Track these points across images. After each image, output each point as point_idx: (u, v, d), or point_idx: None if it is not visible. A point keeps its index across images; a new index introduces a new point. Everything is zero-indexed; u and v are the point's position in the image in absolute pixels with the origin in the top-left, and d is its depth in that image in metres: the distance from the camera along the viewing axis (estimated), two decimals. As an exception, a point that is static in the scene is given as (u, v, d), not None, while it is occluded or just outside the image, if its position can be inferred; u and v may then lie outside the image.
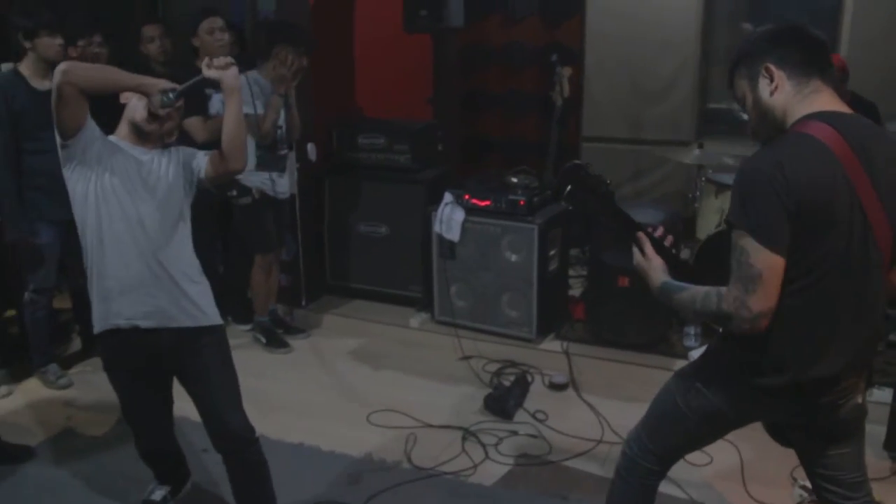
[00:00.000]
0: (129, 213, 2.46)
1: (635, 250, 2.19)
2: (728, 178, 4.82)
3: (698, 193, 4.84)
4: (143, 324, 2.51)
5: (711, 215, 4.69)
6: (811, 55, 1.95)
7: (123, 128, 2.57)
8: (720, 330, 2.10)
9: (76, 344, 4.52)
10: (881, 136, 1.95)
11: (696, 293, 1.97)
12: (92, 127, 2.43)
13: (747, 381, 2.01)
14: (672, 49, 5.63)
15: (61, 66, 2.31)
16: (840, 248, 1.85)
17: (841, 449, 2.14)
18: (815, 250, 1.85)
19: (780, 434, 2.25)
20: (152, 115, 2.48)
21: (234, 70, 2.55)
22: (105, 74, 2.53)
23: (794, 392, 1.98)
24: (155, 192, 2.51)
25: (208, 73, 2.53)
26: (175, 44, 4.57)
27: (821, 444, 2.15)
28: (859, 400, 2.08)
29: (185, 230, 2.60)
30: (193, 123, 4.13)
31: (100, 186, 2.44)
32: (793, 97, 1.93)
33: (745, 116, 2.07)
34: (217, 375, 2.61)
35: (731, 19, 5.88)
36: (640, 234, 2.18)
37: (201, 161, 2.61)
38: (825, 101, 1.93)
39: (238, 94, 2.58)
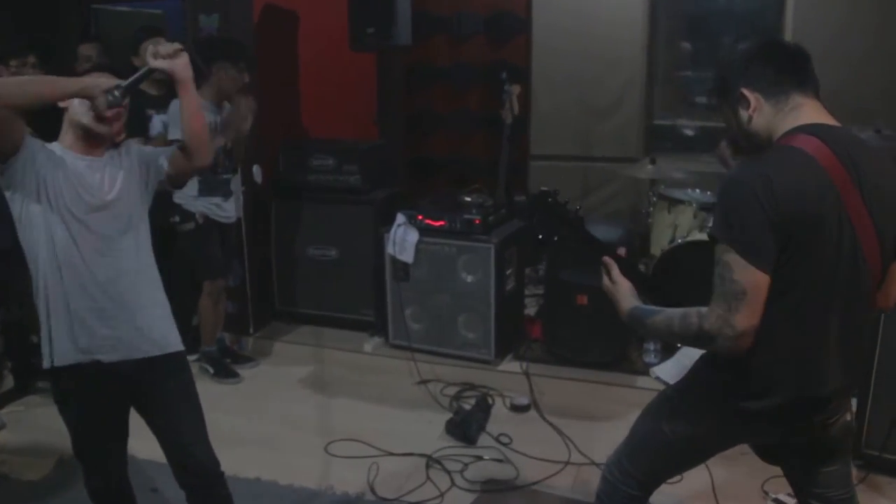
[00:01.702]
0: (81, 235, 2.26)
1: (604, 275, 2.14)
2: (680, 193, 4.84)
3: (651, 209, 4.84)
4: (105, 357, 2.31)
5: (665, 230, 4.70)
6: (784, 70, 1.90)
7: (68, 136, 2.34)
8: (703, 352, 2.04)
9: (7, 381, 4.24)
10: (868, 147, 1.91)
11: (672, 315, 1.89)
12: (30, 144, 2.22)
13: (735, 406, 1.94)
14: (618, 66, 5.67)
15: None
16: (829, 262, 1.80)
17: (829, 467, 2.10)
18: (802, 265, 1.79)
19: (766, 453, 2.20)
20: (99, 117, 2.28)
21: (184, 58, 2.35)
22: (40, 86, 2.26)
23: (784, 414, 1.92)
24: (108, 207, 2.31)
25: (155, 63, 2.32)
26: (114, 63, 4.38)
27: (808, 463, 2.11)
28: (847, 417, 2.05)
29: (144, 245, 2.41)
30: (152, 146, 3.95)
31: (46, 208, 2.23)
32: (774, 116, 1.89)
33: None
34: (182, 406, 2.44)
35: (670, 37, 5.95)
36: (607, 259, 2.13)
37: (163, 162, 2.43)
38: (809, 114, 1.88)
39: (191, 83, 2.38)
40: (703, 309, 1.81)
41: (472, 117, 6.33)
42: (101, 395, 2.38)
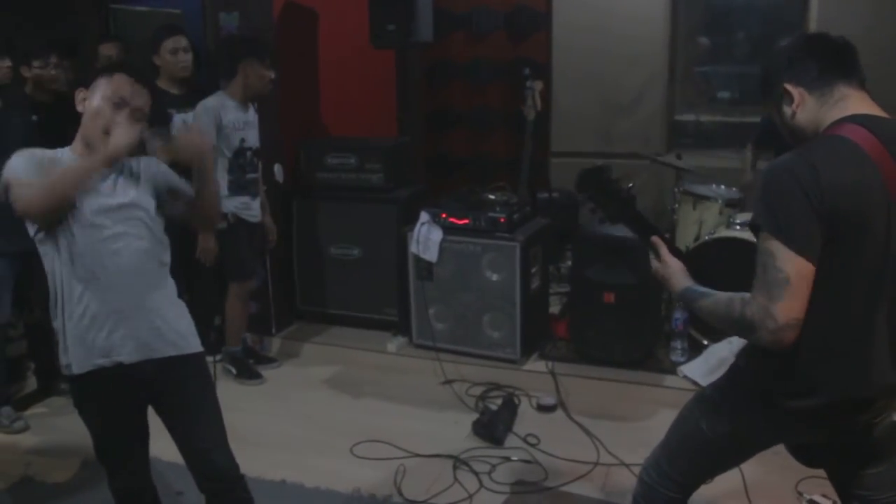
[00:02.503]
0: (96, 240, 2.25)
1: (651, 257, 2.09)
2: (704, 189, 4.78)
3: (676, 206, 4.77)
4: (125, 359, 2.29)
5: (690, 227, 4.64)
6: (828, 63, 1.87)
7: (79, 145, 2.34)
8: (742, 349, 1.99)
9: (31, 383, 4.24)
10: None
11: (718, 300, 1.86)
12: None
13: (777, 404, 1.89)
14: (639, 62, 5.62)
15: (18, 208, 2.16)
16: (875, 257, 1.76)
17: (875, 468, 2.03)
18: (847, 259, 1.74)
19: (806, 455, 2.14)
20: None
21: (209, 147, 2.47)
22: (64, 182, 2.19)
23: (827, 413, 1.87)
24: (122, 209, 2.30)
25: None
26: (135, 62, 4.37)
27: (853, 464, 2.05)
28: (895, 418, 1.99)
29: (160, 246, 2.40)
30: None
31: (65, 219, 2.23)
32: (819, 109, 1.86)
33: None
34: (201, 408, 2.41)
35: (692, 32, 5.90)
36: (655, 239, 2.08)
37: (180, 201, 2.46)
38: (855, 104, 1.85)
39: (211, 170, 2.48)
40: (747, 295, 1.77)
41: (493, 114, 6.30)
42: (121, 398, 2.37)
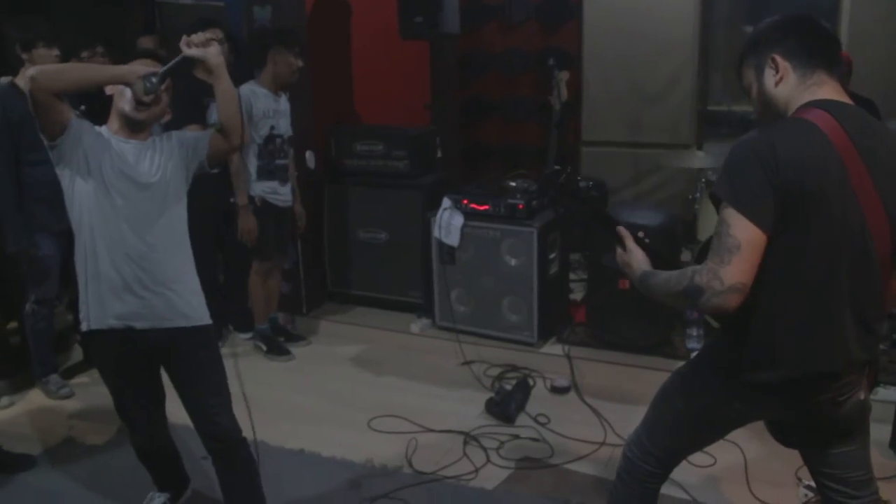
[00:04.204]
0: (122, 212, 2.45)
1: (618, 248, 2.19)
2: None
3: (699, 195, 4.82)
4: (138, 325, 2.51)
5: (712, 216, 4.65)
6: (818, 48, 1.94)
7: (114, 122, 2.54)
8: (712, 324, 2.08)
9: (77, 354, 4.51)
10: (880, 128, 1.93)
11: (671, 273, 1.95)
12: (78, 125, 2.42)
13: (743, 378, 1.98)
14: (670, 51, 5.63)
15: (30, 72, 2.29)
16: (833, 235, 1.83)
17: (845, 447, 2.10)
18: (806, 236, 1.82)
19: (782, 434, 2.21)
20: (140, 103, 2.46)
21: (215, 47, 2.54)
22: (77, 73, 2.48)
23: (792, 388, 1.95)
24: (148, 188, 2.50)
25: (189, 52, 2.50)
26: (175, 54, 4.57)
27: (823, 443, 2.12)
28: (861, 396, 2.04)
29: (179, 226, 2.59)
30: (192, 131, 4.14)
31: (91, 184, 2.43)
32: (796, 88, 1.93)
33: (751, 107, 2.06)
34: (209, 376, 2.62)
35: (730, 21, 5.88)
36: (621, 229, 2.19)
37: (203, 143, 2.61)
38: (827, 91, 1.92)
39: (223, 69, 2.54)
40: (699, 266, 1.86)
41: (525, 104, 6.38)
42: (131, 360, 2.59)
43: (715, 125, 5.96)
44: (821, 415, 2.02)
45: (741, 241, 1.78)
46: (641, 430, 2.31)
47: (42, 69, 2.33)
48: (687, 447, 2.31)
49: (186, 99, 4.25)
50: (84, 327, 2.56)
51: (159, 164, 2.54)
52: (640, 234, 2.22)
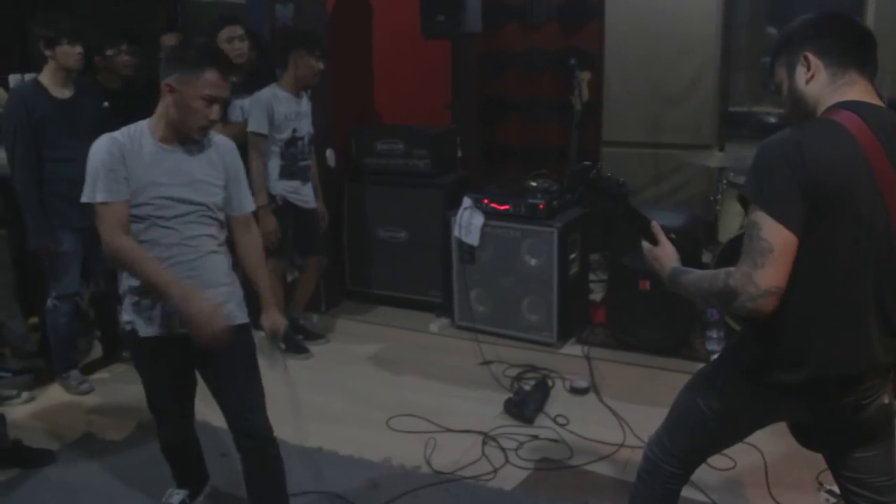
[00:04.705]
0: (169, 227, 2.48)
1: (644, 243, 2.17)
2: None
3: (720, 196, 4.78)
4: (181, 329, 2.51)
5: (733, 218, 4.64)
6: (851, 47, 1.92)
7: (160, 125, 2.50)
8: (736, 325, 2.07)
9: (97, 350, 4.54)
10: None
11: (704, 274, 1.93)
12: (129, 186, 2.44)
13: (765, 379, 1.96)
14: (692, 51, 5.58)
15: (109, 248, 2.40)
16: (860, 237, 1.81)
17: (868, 451, 2.07)
18: (832, 236, 1.80)
19: (805, 437, 2.19)
20: (203, 129, 2.48)
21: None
22: (146, 280, 2.45)
23: (814, 390, 1.93)
24: (197, 211, 2.52)
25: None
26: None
27: (846, 447, 2.09)
28: (886, 401, 2.02)
29: (219, 232, 2.61)
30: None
31: (138, 195, 2.46)
32: (826, 87, 1.92)
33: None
34: (243, 374, 2.63)
35: (752, 21, 5.83)
36: (656, 224, 2.17)
37: (241, 205, 2.68)
38: (858, 92, 1.90)
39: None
40: (731, 268, 1.84)
41: (546, 104, 6.36)
42: (173, 361, 2.62)
43: (736, 126, 5.91)
44: (844, 418, 2.00)
45: (774, 245, 1.77)
46: (663, 431, 2.30)
47: (104, 241, 2.42)
48: (709, 448, 2.29)
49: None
50: (127, 327, 2.59)
51: (204, 168, 2.56)
52: (672, 236, 2.20)
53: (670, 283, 2.07)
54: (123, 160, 2.40)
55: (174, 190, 2.46)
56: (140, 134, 2.47)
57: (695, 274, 1.97)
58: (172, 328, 2.53)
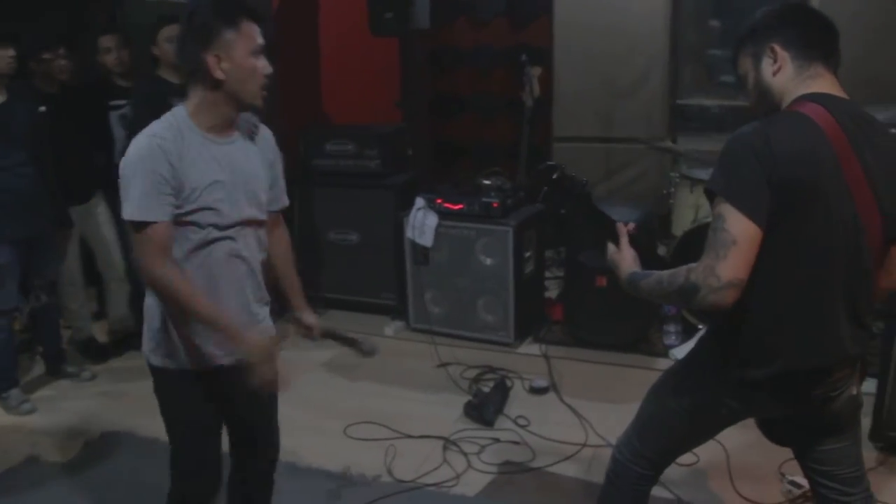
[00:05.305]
0: (221, 226, 2.14)
1: (609, 245, 2.16)
2: (702, 173, 4.78)
3: (673, 189, 4.79)
4: (227, 360, 2.21)
5: (687, 211, 4.65)
6: (816, 39, 1.93)
7: (207, 116, 2.11)
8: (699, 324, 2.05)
9: (39, 367, 4.36)
10: (875, 124, 1.92)
11: (662, 274, 1.92)
12: (178, 197, 2.06)
13: (736, 375, 1.95)
14: (641, 46, 5.60)
15: (152, 279, 2.03)
16: (827, 230, 1.81)
17: (836, 444, 2.09)
18: (800, 230, 1.80)
19: (774, 432, 2.19)
20: (264, 90, 2.12)
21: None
22: (186, 308, 2.07)
23: (785, 384, 1.92)
24: (241, 229, 2.18)
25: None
26: (137, 54, 4.44)
27: (815, 439, 2.10)
28: (854, 392, 2.03)
29: (263, 232, 2.32)
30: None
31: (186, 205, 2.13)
32: (793, 79, 1.92)
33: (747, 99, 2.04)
34: (275, 395, 2.42)
35: (698, 15, 5.86)
36: (621, 226, 2.17)
37: (279, 200, 2.38)
38: (823, 84, 1.90)
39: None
40: (693, 264, 1.83)
41: (495, 100, 6.34)
42: (212, 392, 2.28)
43: (685, 119, 5.95)
44: (813, 410, 2.00)
45: (736, 237, 1.75)
46: (631, 432, 2.28)
47: (163, 288, 2.04)
48: (679, 448, 2.27)
49: (150, 99, 4.13)
50: (157, 363, 2.22)
51: (256, 161, 2.26)
52: (631, 225, 2.17)
53: (629, 287, 2.06)
54: (170, 165, 2.01)
55: (232, 192, 2.11)
56: (182, 126, 2.07)
57: (653, 276, 1.95)
58: (216, 360, 2.20)
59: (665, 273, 1.90)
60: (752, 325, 1.89)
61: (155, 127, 2.06)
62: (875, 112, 3.78)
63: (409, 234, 4.50)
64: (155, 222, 2.00)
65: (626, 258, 2.10)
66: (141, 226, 2.00)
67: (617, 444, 2.32)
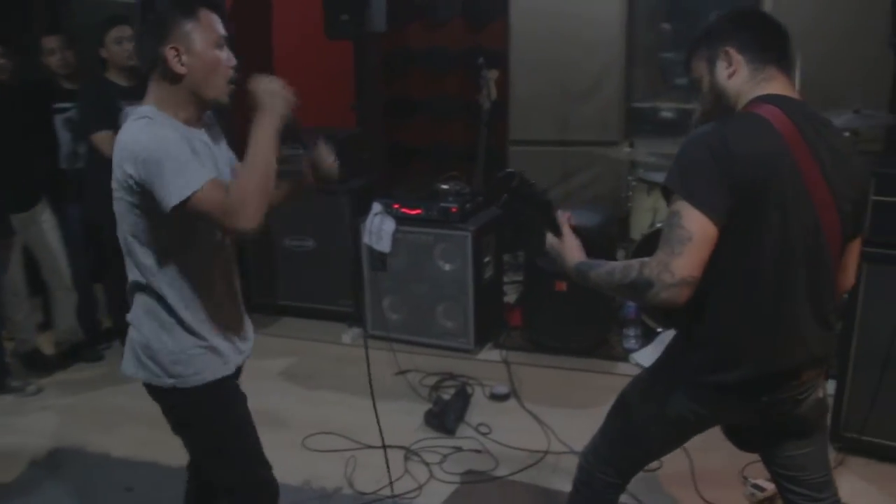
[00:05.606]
0: (214, 252, 2.09)
1: (549, 235, 2.11)
2: (659, 177, 4.80)
3: (630, 193, 4.80)
4: (240, 362, 2.20)
5: (644, 214, 4.67)
6: (770, 42, 1.95)
7: (188, 108, 1.99)
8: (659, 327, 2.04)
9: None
10: (828, 124, 1.94)
11: (614, 266, 1.88)
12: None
13: (705, 381, 1.93)
14: (597, 48, 5.60)
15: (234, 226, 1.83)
16: (788, 232, 1.81)
17: (803, 448, 2.08)
18: (759, 231, 1.79)
19: (740, 439, 2.19)
20: (230, 85, 2.03)
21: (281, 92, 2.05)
22: (270, 160, 1.90)
23: (753, 388, 1.91)
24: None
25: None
26: (84, 55, 4.30)
27: (782, 444, 2.09)
28: (820, 394, 2.04)
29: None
30: (103, 138, 3.89)
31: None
32: (747, 81, 1.93)
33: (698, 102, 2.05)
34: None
35: (653, 18, 5.90)
36: (560, 214, 2.12)
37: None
38: (778, 86, 1.91)
39: (270, 116, 1.99)
40: (645, 259, 1.80)
41: (451, 103, 6.29)
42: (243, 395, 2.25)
43: (640, 122, 5.98)
44: (781, 414, 1.99)
45: (692, 233, 1.73)
46: (599, 440, 2.25)
47: (249, 215, 1.81)
48: (647, 455, 2.24)
49: (98, 102, 4.01)
50: (196, 381, 2.06)
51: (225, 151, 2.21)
52: (568, 214, 2.14)
53: (577, 278, 2.02)
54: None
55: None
56: (163, 119, 1.93)
57: (604, 267, 1.92)
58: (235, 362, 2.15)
59: (618, 265, 1.87)
60: (719, 329, 1.88)
61: (152, 120, 1.90)
62: (830, 117, 3.87)
63: (366, 239, 4.44)
64: (209, 180, 1.82)
65: (570, 246, 2.06)
66: (199, 194, 1.80)
67: (583, 452, 2.29)
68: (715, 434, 2.19)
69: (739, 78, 1.93)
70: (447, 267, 4.32)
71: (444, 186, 4.50)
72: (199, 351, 2.04)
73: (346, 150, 4.76)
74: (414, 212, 4.35)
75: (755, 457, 2.23)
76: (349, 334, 4.68)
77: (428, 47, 6.28)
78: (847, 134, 3.83)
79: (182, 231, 1.95)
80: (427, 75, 6.35)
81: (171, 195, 1.80)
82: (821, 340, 1.93)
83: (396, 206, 4.39)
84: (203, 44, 1.94)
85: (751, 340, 1.87)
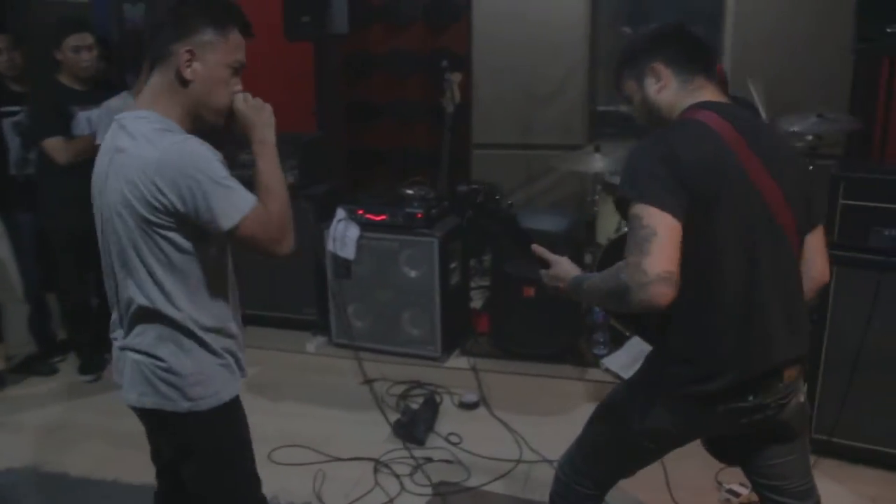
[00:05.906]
0: (226, 264, 2.07)
1: (543, 271, 2.12)
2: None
3: (596, 197, 4.78)
4: (245, 374, 2.12)
5: (611, 218, 4.65)
6: (695, 54, 2.00)
7: (183, 116, 1.92)
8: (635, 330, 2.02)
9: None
10: (761, 123, 2.03)
11: (602, 274, 1.86)
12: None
13: (687, 393, 1.90)
14: (561, 52, 5.61)
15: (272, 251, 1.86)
16: (745, 233, 1.82)
17: (785, 456, 2.07)
18: (716, 237, 1.80)
19: (721, 450, 2.17)
20: (223, 114, 1.98)
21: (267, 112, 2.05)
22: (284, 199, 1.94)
23: (737, 394, 1.88)
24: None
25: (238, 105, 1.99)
26: (33, 55, 4.16)
27: (764, 453, 2.07)
28: (801, 399, 2.03)
29: None
30: (55, 144, 3.75)
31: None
32: (678, 93, 1.98)
33: (631, 112, 2.10)
34: None
35: (616, 22, 5.91)
36: (536, 247, 2.15)
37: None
38: (709, 94, 1.97)
39: (266, 145, 2.01)
40: (622, 262, 1.78)
41: (413, 107, 6.24)
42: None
43: (605, 125, 5.98)
44: (765, 421, 1.97)
45: (657, 229, 1.71)
46: (575, 451, 2.21)
47: (287, 240, 1.88)
48: (626, 468, 2.20)
49: (49, 106, 3.88)
50: (215, 402, 1.96)
51: None
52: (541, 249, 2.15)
53: (575, 296, 2.02)
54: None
55: None
56: (180, 130, 1.88)
57: (596, 276, 1.91)
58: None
59: (603, 274, 1.85)
60: (693, 339, 1.87)
61: (189, 141, 1.82)
62: (794, 121, 3.90)
63: (329, 246, 4.35)
64: (256, 204, 1.83)
65: (562, 267, 2.06)
66: (249, 218, 1.80)
67: (560, 463, 2.25)
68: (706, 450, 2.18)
69: (670, 91, 1.97)
70: (413, 273, 4.25)
71: (409, 191, 4.43)
72: (217, 370, 1.97)
73: (308, 154, 4.71)
74: (379, 218, 4.28)
75: (742, 470, 2.21)
76: (313, 343, 4.59)
77: (390, 50, 6.21)
78: (810, 138, 3.86)
79: (211, 251, 1.92)
80: (388, 78, 6.28)
81: (222, 218, 1.77)
82: (794, 338, 1.92)
83: (361, 211, 4.31)
84: (219, 59, 1.88)
85: (727, 345, 1.85)
